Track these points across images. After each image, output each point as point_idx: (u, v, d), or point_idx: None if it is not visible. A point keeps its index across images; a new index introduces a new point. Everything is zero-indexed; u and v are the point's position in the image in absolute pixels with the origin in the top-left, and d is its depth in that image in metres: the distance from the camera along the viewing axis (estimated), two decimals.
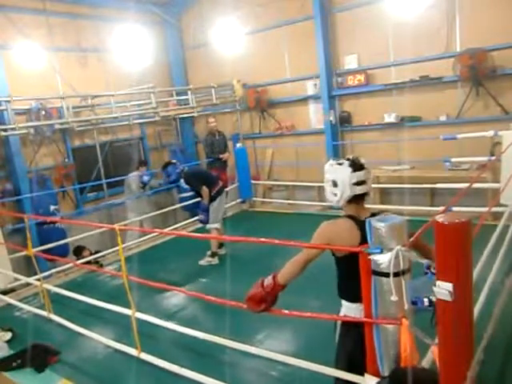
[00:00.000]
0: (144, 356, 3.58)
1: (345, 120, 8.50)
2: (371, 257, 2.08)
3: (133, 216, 7.85)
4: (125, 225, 7.17)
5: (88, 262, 6.50)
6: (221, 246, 6.41)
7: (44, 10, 7.90)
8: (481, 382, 2.40)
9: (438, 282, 1.77)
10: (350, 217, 2.36)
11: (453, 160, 6.37)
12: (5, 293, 5.47)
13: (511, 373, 3.19)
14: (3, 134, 6.73)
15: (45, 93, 7.50)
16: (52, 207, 7.44)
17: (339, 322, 2.48)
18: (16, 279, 5.49)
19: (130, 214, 7.98)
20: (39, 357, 3.98)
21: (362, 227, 2.20)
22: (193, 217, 7.93)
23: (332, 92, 8.46)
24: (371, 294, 2.14)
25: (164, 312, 4.74)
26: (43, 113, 7.29)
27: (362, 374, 2.33)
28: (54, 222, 7.24)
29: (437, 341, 1.91)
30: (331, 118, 8.47)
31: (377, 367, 2.20)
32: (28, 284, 5.47)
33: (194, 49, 10.39)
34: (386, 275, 2.03)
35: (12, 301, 5.20)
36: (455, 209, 5.11)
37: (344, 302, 2.44)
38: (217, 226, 6.18)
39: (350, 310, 2.38)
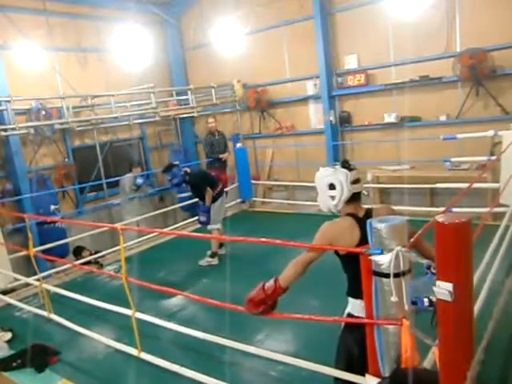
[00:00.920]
0: (144, 356, 3.58)
1: (345, 120, 8.50)
2: (372, 257, 2.08)
3: (128, 218, 7.64)
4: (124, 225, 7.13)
5: (88, 262, 6.49)
6: (221, 245, 6.41)
7: (44, 10, 7.90)
8: (481, 382, 2.40)
9: (438, 282, 1.77)
10: (349, 215, 2.39)
11: (453, 160, 6.38)
12: (5, 293, 5.47)
13: (511, 373, 3.20)
14: (3, 133, 6.74)
15: (45, 93, 7.50)
16: (52, 207, 7.44)
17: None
18: (16, 279, 5.49)
19: (126, 216, 7.80)
20: (39, 357, 3.98)
21: (361, 225, 2.25)
22: (192, 217, 7.93)
23: (332, 92, 8.46)
24: (372, 294, 2.14)
25: (164, 312, 4.74)
26: (43, 113, 7.29)
27: (361, 374, 2.33)
28: (54, 222, 7.24)
29: (437, 341, 1.91)
30: (331, 118, 8.47)
31: (378, 367, 2.20)
32: (28, 284, 5.47)
33: (193, 49, 10.39)
34: (387, 276, 2.03)
35: (12, 301, 5.20)
36: (455, 209, 5.12)
37: (350, 299, 2.44)
38: (218, 226, 6.19)
39: (354, 307, 2.38)
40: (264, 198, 9.66)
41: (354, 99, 8.38)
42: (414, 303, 2.04)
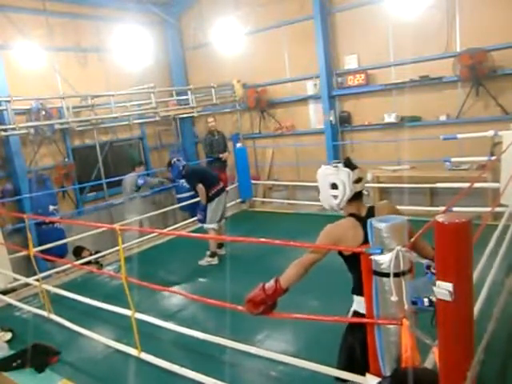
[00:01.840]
0: (144, 356, 3.59)
1: (345, 120, 8.50)
2: (372, 257, 2.08)
3: (131, 217, 7.61)
4: (123, 225, 7.13)
5: (88, 263, 6.49)
6: (220, 246, 6.41)
7: (44, 10, 7.90)
8: (481, 382, 2.40)
9: (438, 282, 1.77)
10: (351, 215, 2.38)
11: (453, 160, 6.37)
12: (5, 293, 5.47)
13: (511, 373, 3.20)
14: (3, 133, 6.74)
15: (45, 93, 7.50)
16: (51, 207, 7.43)
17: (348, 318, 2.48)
18: (16, 279, 5.49)
19: (128, 216, 7.75)
20: (39, 357, 3.98)
21: (364, 225, 2.24)
22: (192, 217, 7.93)
23: (332, 92, 8.46)
24: (372, 294, 2.14)
25: (164, 312, 4.74)
26: (43, 113, 7.29)
27: (363, 374, 2.33)
28: (53, 222, 7.23)
29: (437, 341, 1.91)
30: (331, 118, 8.47)
31: (378, 367, 2.20)
32: (28, 284, 5.47)
33: (193, 49, 10.39)
34: (387, 275, 2.03)
35: (12, 301, 5.20)
36: (455, 209, 5.11)
37: (355, 297, 2.43)
38: (214, 226, 6.14)
39: (360, 305, 2.36)
40: (264, 197, 9.66)
41: (354, 99, 8.38)
42: (414, 303, 2.03)
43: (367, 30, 7.83)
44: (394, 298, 2.02)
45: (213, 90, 9.08)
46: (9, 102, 6.51)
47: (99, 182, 8.57)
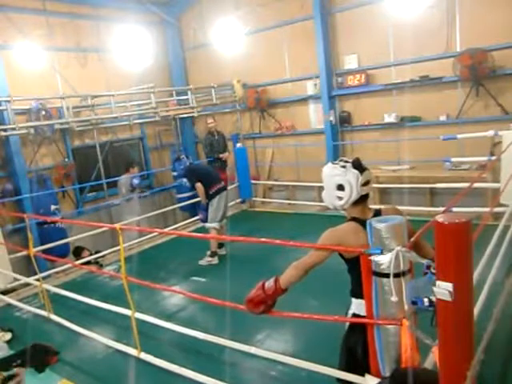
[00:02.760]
0: (144, 356, 3.59)
1: (345, 120, 8.50)
2: (372, 258, 2.08)
3: (127, 218, 7.52)
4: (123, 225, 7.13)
5: (88, 263, 6.49)
6: (221, 246, 6.41)
7: (44, 10, 7.90)
8: (481, 382, 2.40)
9: (438, 282, 1.77)
10: (353, 219, 2.33)
11: (453, 160, 6.38)
12: (5, 293, 5.47)
13: (511, 373, 3.20)
14: (3, 133, 6.73)
15: (45, 93, 7.50)
16: (52, 207, 7.43)
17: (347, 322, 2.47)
18: (16, 279, 5.49)
19: (125, 217, 7.67)
20: (39, 357, 3.98)
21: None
22: (192, 217, 7.93)
23: (332, 92, 8.46)
24: (372, 294, 2.14)
25: (164, 312, 4.74)
26: (43, 113, 7.28)
27: (363, 375, 2.33)
28: (54, 222, 7.23)
29: (437, 341, 1.91)
30: (331, 118, 8.47)
31: (378, 367, 2.20)
32: (28, 284, 5.47)
33: (193, 49, 10.39)
34: (387, 276, 2.03)
35: (12, 301, 5.21)
36: (455, 209, 5.11)
37: (354, 300, 2.41)
38: (215, 225, 6.16)
39: (359, 307, 2.35)
40: (264, 197, 9.66)
41: (354, 99, 8.38)
42: (414, 303, 2.03)
43: (367, 30, 7.83)
44: (394, 299, 2.02)
45: (213, 90, 9.08)
46: (9, 101, 6.50)
47: (99, 182, 8.57)
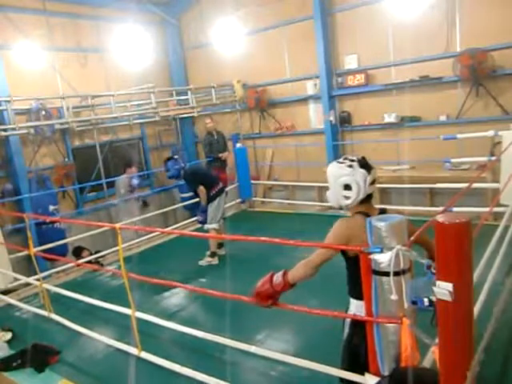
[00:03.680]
0: (144, 355, 3.59)
1: (345, 120, 8.50)
2: (371, 256, 2.08)
3: (125, 219, 7.47)
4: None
5: (88, 263, 6.48)
6: (221, 246, 6.41)
7: (44, 10, 7.89)
8: (481, 382, 2.40)
9: (438, 282, 1.77)
10: (363, 213, 2.31)
11: (453, 160, 6.38)
12: (5, 293, 5.47)
13: (511, 373, 3.20)
14: (3, 133, 6.73)
15: (45, 93, 7.49)
16: (51, 207, 7.43)
17: (347, 321, 2.46)
18: (16, 279, 5.49)
19: (123, 217, 7.61)
20: (39, 357, 3.98)
21: None
22: (192, 216, 7.92)
23: (332, 92, 8.46)
24: (372, 293, 2.14)
25: (164, 311, 4.74)
26: (43, 113, 7.29)
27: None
28: (53, 222, 7.23)
29: (437, 341, 1.91)
30: (331, 118, 8.47)
31: (377, 366, 2.20)
32: (28, 284, 5.47)
33: (194, 49, 10.39)
34: (387, 274, 2.03)
35: (12, 301, 5.20)
36: (455, 209, 5.12)
37: (352, 300, 2.41)
38: (215, 226, 6.16)
39: (358, 308, 2.35)
40: (264, 197, 9.66)
41: (354, 99, 8.38)
42: (414, 303, 2.03)
43: (367, 30, 7.83)
44: (393, 297, 2.02)
45: (213, 90, 9.08)
46: (9, 101, 6.50)
47: (99, 182, 8.57)
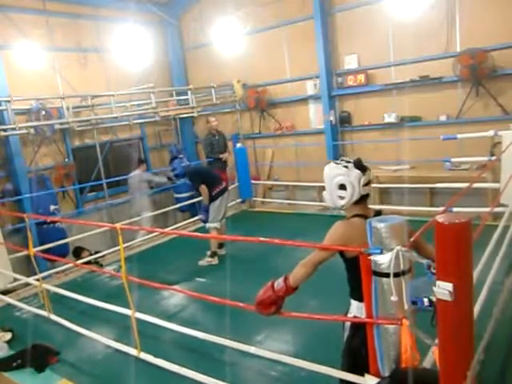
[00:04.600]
0: (144, 356, 3.58)
1: (345, 120, 8.50)
2: (371, 257, 2.07)
3: (146, 213, 8.04)
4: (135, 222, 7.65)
5: (88, 263, 6.49)
6: (221, 246, 6.40)
7: (44, 10, 7.90)
8: (481, 381, 2.40)
9: (438, 282, 1.77)
10: (359, 216, 2.33)
11: (453, 160, 6.37)
12: (5, 293, 5.47)
13: (511, 373, 3.20)
14: (3, 133, 6.74)
15: (45, 93, 7.50)
16: (52, 207, 7.43)
17: (348, 323, 2.45)
18: (16, 279, 5.49)
19: (144, 213, 8.07)
20: (39, 357, 3.98)
21: None
22: (193, 216, 7.93)
23: (332, 92, 8.46)
24: (372, 294, 2.14)
25: (164, 312, 4.73)
26: (43, 113, 7.29)
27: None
28: (54, 222, 7.23)
29: (437, 341, 1.91)
30: (331, 118, 8.47)
31: (377, 367, 2.20)
32: (28, 284, 5.47)
33: (194, 49, 10.39)
34: (387, 275, 2.03)
35: (12, 301, 5.20)
36: (455, 209, 5.12)
37: (353, 302, 2.41)
38: (216, 225, 6.16)
39: (359, 310, 2.34)
40: (264, 198, 9.65)
41: (354, 99, 8.38)
42: (414, 303, 2.03)
43: (367, 30, 7.83)
44: (394, 298, 2.02)
45: (213, 90, 9.07)
46: (9, 101, 6.50)
47: (99, 182, 8.57)
